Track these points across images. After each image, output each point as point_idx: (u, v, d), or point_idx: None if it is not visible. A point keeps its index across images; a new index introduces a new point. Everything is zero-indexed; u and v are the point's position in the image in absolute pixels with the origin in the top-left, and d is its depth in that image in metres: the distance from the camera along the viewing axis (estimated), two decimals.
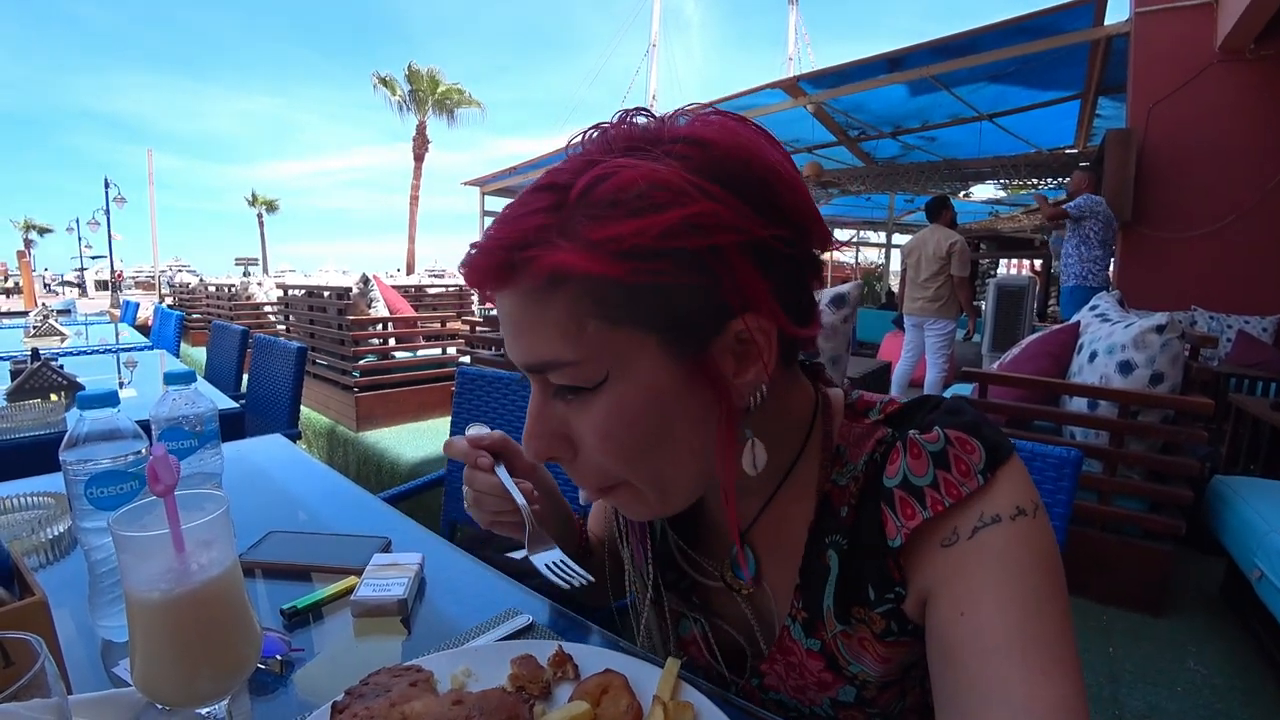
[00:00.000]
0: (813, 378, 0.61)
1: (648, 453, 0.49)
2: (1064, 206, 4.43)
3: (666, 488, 0.52)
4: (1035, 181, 9.23)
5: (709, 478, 0.53)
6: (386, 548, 0.94)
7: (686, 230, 0.42)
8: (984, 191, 11.04)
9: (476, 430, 0.69)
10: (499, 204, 13.04)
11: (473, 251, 0.46)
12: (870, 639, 0.55)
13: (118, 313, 7.57)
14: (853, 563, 0.54)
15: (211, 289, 8.63)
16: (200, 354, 5.45)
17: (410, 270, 25.43)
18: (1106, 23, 4.87)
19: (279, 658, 0.66)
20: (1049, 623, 0.45)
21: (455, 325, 4.75)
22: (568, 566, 0.63)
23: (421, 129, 25.55)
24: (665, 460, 0.50)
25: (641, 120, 0.48)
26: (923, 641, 0.53)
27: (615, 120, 0.49)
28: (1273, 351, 4.32)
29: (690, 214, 0.42)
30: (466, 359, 3.96)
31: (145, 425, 0.81)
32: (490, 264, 0.45)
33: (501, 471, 0.66)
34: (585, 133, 0.49)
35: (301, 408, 2.88)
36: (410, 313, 4.81)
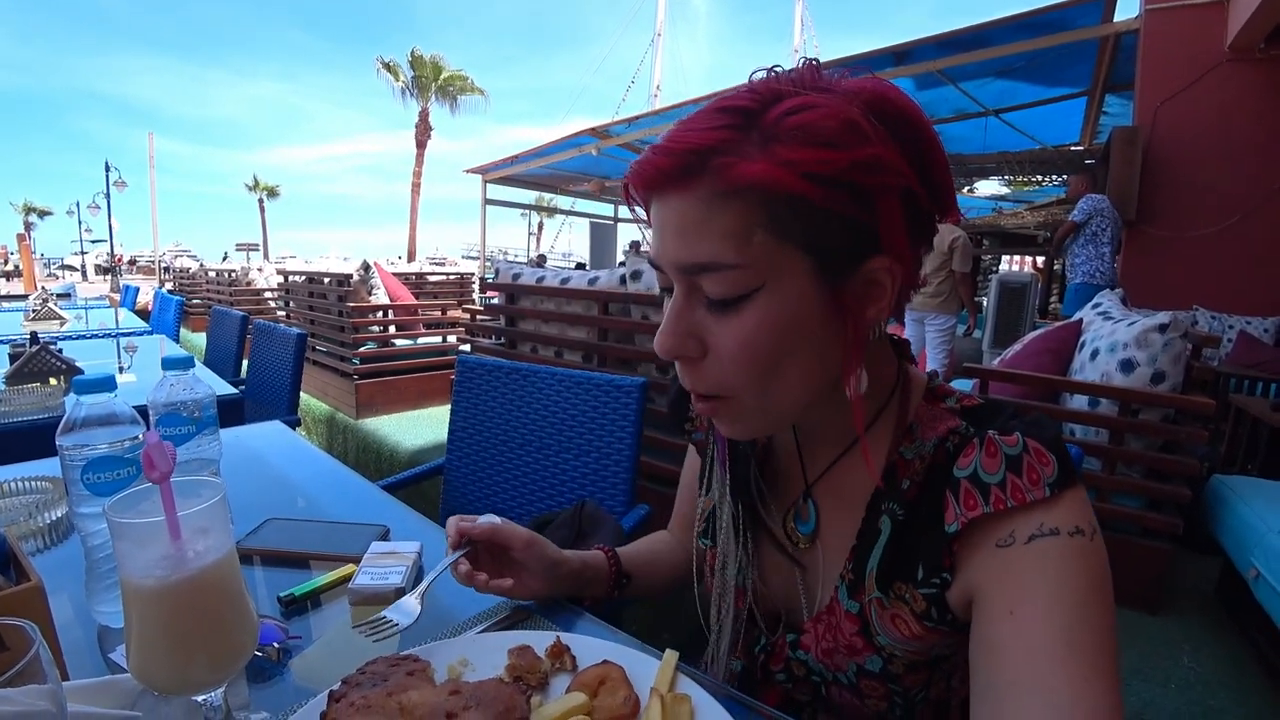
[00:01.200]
0: (899, 354, 0.63)
1: (774, 368, 0.51)
2: (1070, 218, 4.43)
3: (771, 407, 0.54)
4: (1040, 178, 9.20)
5: (805, 408, 0.56)
6: (385, 536, 0.94)
7: (863, 168, 0.46)
8: (988, 187, 11.03)
9: (484, 520, 0.75)
10: (501, 192, 13.01)
11: (651, 153, 0.49)
12: (908, 618, 0.56)
13: (117, 297, 7.56)
14: (905, 535, 0.57)
15: (211, 274, 8.61)
16: (200, 339, 5.44)
17: (411, 258, 25.40)
18: (1116, 19, 4.83)
19: (276, 645, 0.66)
20: (1095, 634, 0.46)
21: (456, 313, 4.74)
22: (383, 624, 0.66)
23: (424, 116, 25.47)
24: (784, 379, 0.52)
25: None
26: (958, 635, 0.54)
27: (797, 65, 0.52)
28: (1273, 352, 4.31)
29: (869, 154, 0.46)
30: (467, 347, 3.95)
31: (143, 410, 0.80)
32: (675, 165, 0.48)
33: (446, 560, 0.71)
34: (769, 69, 0.52)
35: (301, 394, 2.88)
36: (411, 300, 4.80)
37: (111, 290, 13.52)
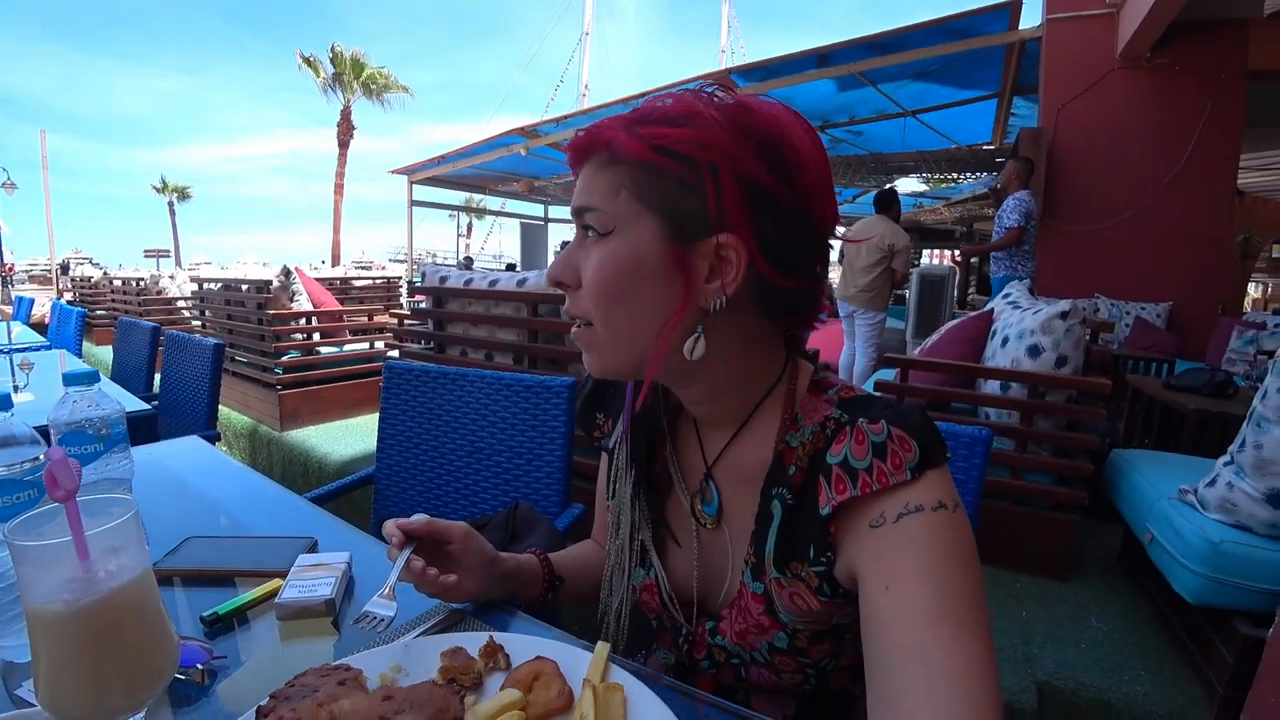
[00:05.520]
0: (790, 347, 0.68)
1: (618, 300, 0.60)
2: (1010, 227, 4.40)
3: (619, 341, 0.61)
4: (955, 176, 9.66)
5: (650, 354, 0.61)
6: (313, 548, 0.92)
7: (698, 144, 0.56)
8: (907, 185, 11.46)
9: (416, 518, 0.75)
10: (429, 193, 12.73)
11: (575, 136, 0.62)
12: (805, 594, 0.62)
13: (9, 310, 7.02)
14: (795, 518, 0.62)
15: (117, 283, 8.07)
16: (106, 353, 5.11)
17: (335, 262, 24.56)
18: (1021, 27, 5.13)
19: (200, 667, 0.64)
20: (961, 596, 0.51)
21: (383, 318, 4.61)
22: (372, 617, 0.66)
23: (346, 114, 24.57)
24: (628, 314, 0.60)
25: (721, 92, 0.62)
26: (853, 606, 0.59)
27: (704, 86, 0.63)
28: (1165, 336, 4.68)
29: (703, 135, 0.56)
30: (395, 353, 3.86)
31: (44, 431, 0.76)
32: (581, 143, 0.62)
33: (402, 556, 0.71)
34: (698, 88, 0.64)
35: (220, 407, 2.75)
36: (335, 306, 4.65)
37: (2, 303, 12.54)
